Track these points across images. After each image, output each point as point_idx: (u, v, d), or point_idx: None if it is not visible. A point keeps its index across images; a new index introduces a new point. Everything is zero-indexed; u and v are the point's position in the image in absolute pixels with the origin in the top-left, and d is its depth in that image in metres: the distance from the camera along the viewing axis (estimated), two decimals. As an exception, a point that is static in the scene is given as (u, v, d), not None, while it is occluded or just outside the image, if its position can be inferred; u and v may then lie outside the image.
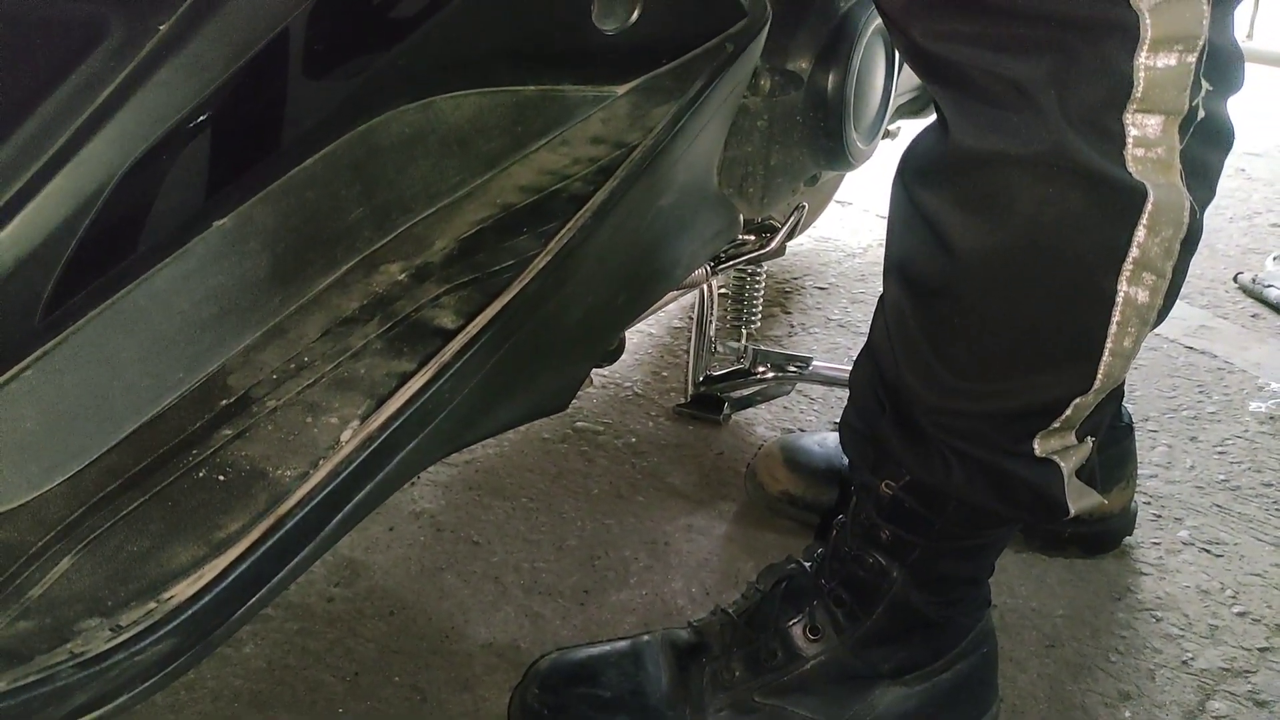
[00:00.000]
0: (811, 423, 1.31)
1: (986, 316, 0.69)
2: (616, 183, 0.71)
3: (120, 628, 0.55)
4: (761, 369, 1.27)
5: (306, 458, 0.60)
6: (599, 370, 1.30)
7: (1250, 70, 0.73)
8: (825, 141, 1.03)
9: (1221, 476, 1.22)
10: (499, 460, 1.21)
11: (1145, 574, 1.06)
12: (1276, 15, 3.29)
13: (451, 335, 0.66)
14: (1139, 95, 0.61)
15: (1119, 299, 0.66)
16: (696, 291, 1.20)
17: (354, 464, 0.61)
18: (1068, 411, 0.70)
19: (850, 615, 0.82)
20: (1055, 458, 0.72)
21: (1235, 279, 1.74)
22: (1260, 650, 0.96)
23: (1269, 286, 1.67)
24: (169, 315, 0.54)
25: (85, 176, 0.49)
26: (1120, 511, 1.07)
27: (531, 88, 0.66)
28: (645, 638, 0.88)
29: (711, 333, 1.23)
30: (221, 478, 0.58)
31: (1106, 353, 0.68)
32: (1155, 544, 1.10)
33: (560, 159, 0.69)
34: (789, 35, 0.97)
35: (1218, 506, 1.16)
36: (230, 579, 0.57)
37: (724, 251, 1.14)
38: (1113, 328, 0.67)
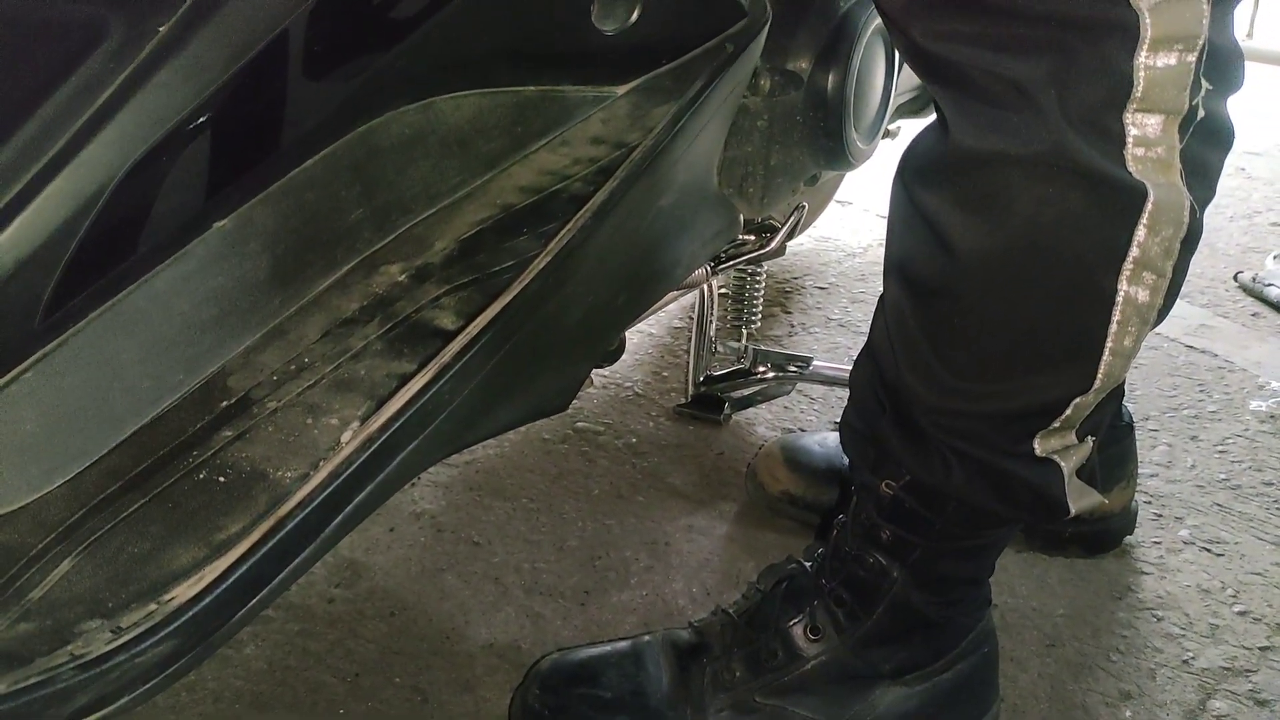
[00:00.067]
0: (812, 423, 1.31)
1: (986, 316, 0.69)
2: (616, 183, 0.71)
3: (121, 629, 0.55)
4: (762, 369, 1.27)
5: (307, 459, 0.60)
6: (599, 370, 1.30)
7: (1250, 69, 0.73)
8: (825, 141, 1.03)
9: (1222, 475, 1.22)
10: (499, 461, 1.21)
11: (1146, 573, 1.06)
12: (1276, 14, 3.29)
13: (452, 336, 0.66)
14: (1139, 95, 0.61)
15: (1119, 298, 0.66)
16: (697, 291, 1.20)
17: (354, 465, 0.61)
18: (1068, 411, 0.70)
19: (851, 615, 0.82)
20: (1055, 457, 0.72)
21: (1235, 278, 1.73)
22: (1261, 649, 0.96)
23: (1269, 285, 1.67)
24: (169, 317, 0.54)
25: (85, 178, 0.49)
26: (1121, 511, 1.07)
27: (531, 88, 0.66)
28: (646, 638, 0.88)
29: (712, 333, 1.23)
30: (222, 479, 0.58)
31: (1107, 352, 0.68)
32: (1156, 543, 1.10)
33: (560, 159, 0.69)
34: (789, 35, 0.97)
35: (1218, 505, 1.16)
36: (231, 580, 0.57)
37: (724, 251, 1.14)
38: (1113, 327, 0.67)
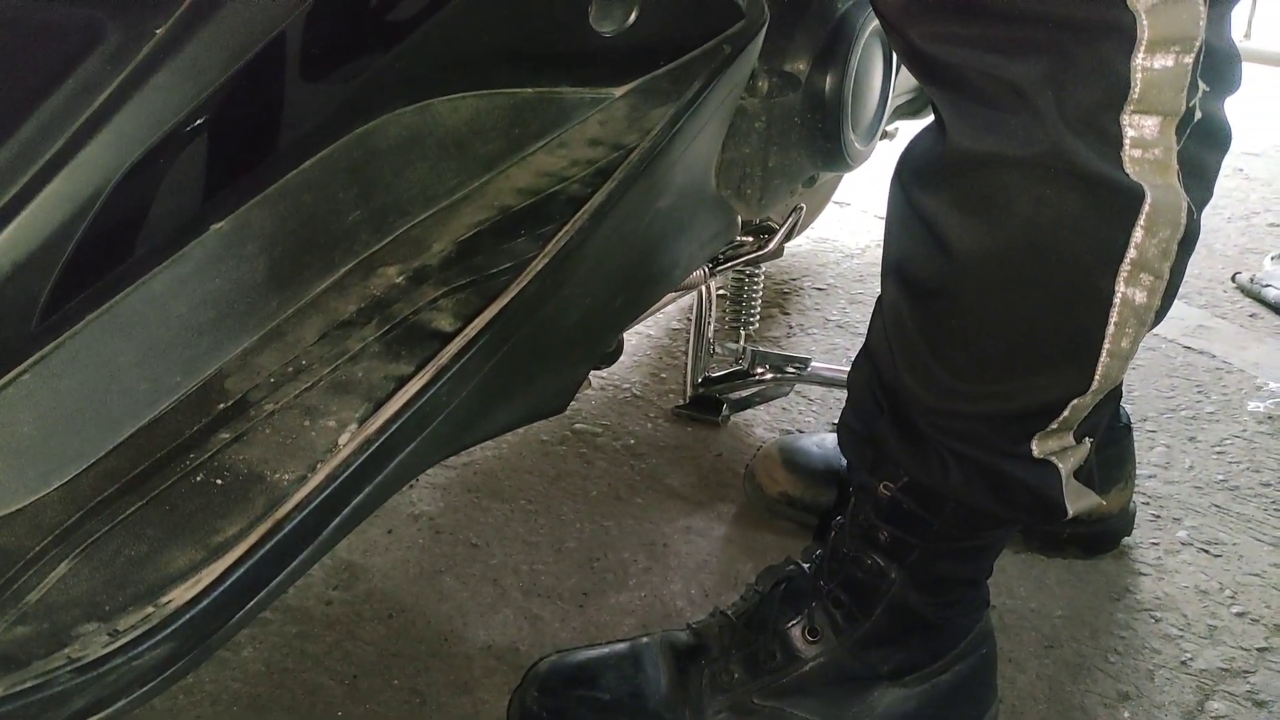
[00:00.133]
0: (810, 424, 1.31)
1: (984, 318, 0.69)
2: (614, 185, 0.71)
3: (118, 632, 0.55)
4: (760, 370, 1.27)
5: (304, 461, 0.60)
6: (597, 372, 1.30)
7: (1248, 70, 0.73)
8: (823, 143, 1.03)
9: (1220, 476, 1.22)
10: (498, 462, 1.21)
11: (1144, 574, 1.06)
12: (1274, 15, 3.29)
13: (449, 338, 0.66)
14: (1136, 96, 0.61)
15: (1116, 300, 0.66)
16: (695, 293, 1.20)
17: (352, 467, 0.61)
18: (1065, 412, 0.70)
19: (849, 616, 0.82)
20: (1053, 459, 0.72)
21: (1233, 279, 1.74)
22: (1259, 650, 0.96)
23: (1267, 286, 1.67)
24: (166, 319, 0.54)
25: (82, 180, 0.49)
26: (1119, 512, 1.07)
27: (529, 90, 0.66)
28: (644, 640, 0.88)
29: (710, 334, 1.24)
30: (219, 482, 0.58)
31: (1104, 353, 0.68)
32: (1154, 544, 1.10)
33: (558, 161, 0.69)
34: (787, 37, 0.97)
35: (1216, 506, 1.16)
36: (228, 583, 0.57)
37: (722, 253, 1.14)
38: (1110, 328, 0.67)
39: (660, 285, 0.86)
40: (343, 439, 0.61)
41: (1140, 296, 0.66)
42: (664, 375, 1.41)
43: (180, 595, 0.56)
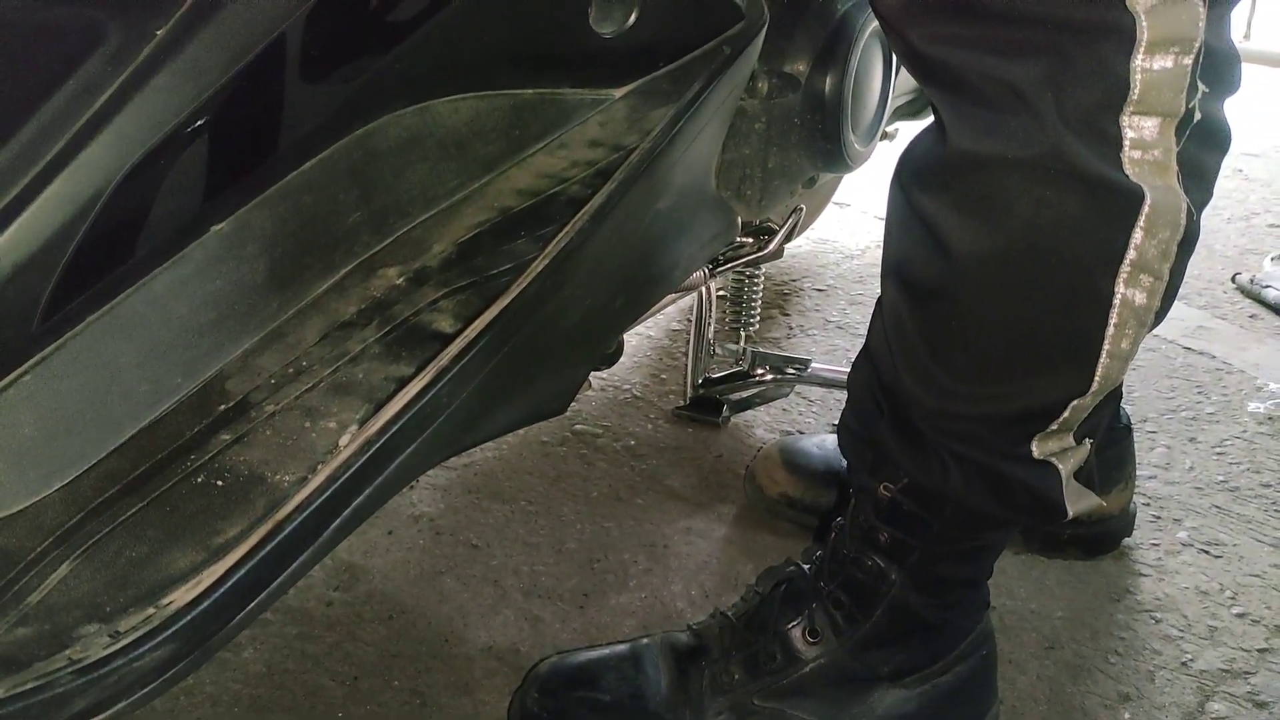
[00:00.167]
0: (810, 425, 1.31)
1: (984, 319, 0.69)
2: (614, 186, 0.71)
3: (119, 634, 0.55)
4: (760, 371, 1.27)
5: (305, 462, 0.60)
6: (598, 373, 1.30)
7: (1248, 71, 0.73)
8: (823, 144, 1.03)
9: (1220, 477, 1.22)
10: (498, 463, 1.21)
11: (1144, 575, 1.06)
12: (1274, 16, 3.29)
13: (449, 339, 0.66)
14: (1135, 97, 0.61)
15: (1116, 301, 0.66)
16: (695, 294, 1.20)
17: (352, 468, 0.61)
18: (1065, 413, 0.70)
19: (849, 618, 0.82)
20: (1053, 460, 0.72)
21: (1233, 279, 1.74)
22: (1259, 651, 0.96)
23: (1267, 287, 1.67)
24: (167, 320, 0.54)
25: (83, 181, 0.49)
26: (1119, 513, 1.07)
27: (529, 91, 0.66)
28: (644, 641, 0.88)
29: (710, 335, 1.24)
30: (220, 483, 0.58)
31: (1104, 354, 0.68)
32: (1154, 545, 1.10)
33: (558, 162, 0.69)
34: (786, 38, 0.98)
35: (1216, 507, 1.16)
36: (229, 584, 0.57)
37: (722, 254, 1.14)
38: (1110, 329, 0.67)
39: (660, 286, 0.86)
40: (343, 440, 0.61)
41: (1140, 297, 0.66)
42: (664, 376, 1.41)
43: (181, 596, 0.56)
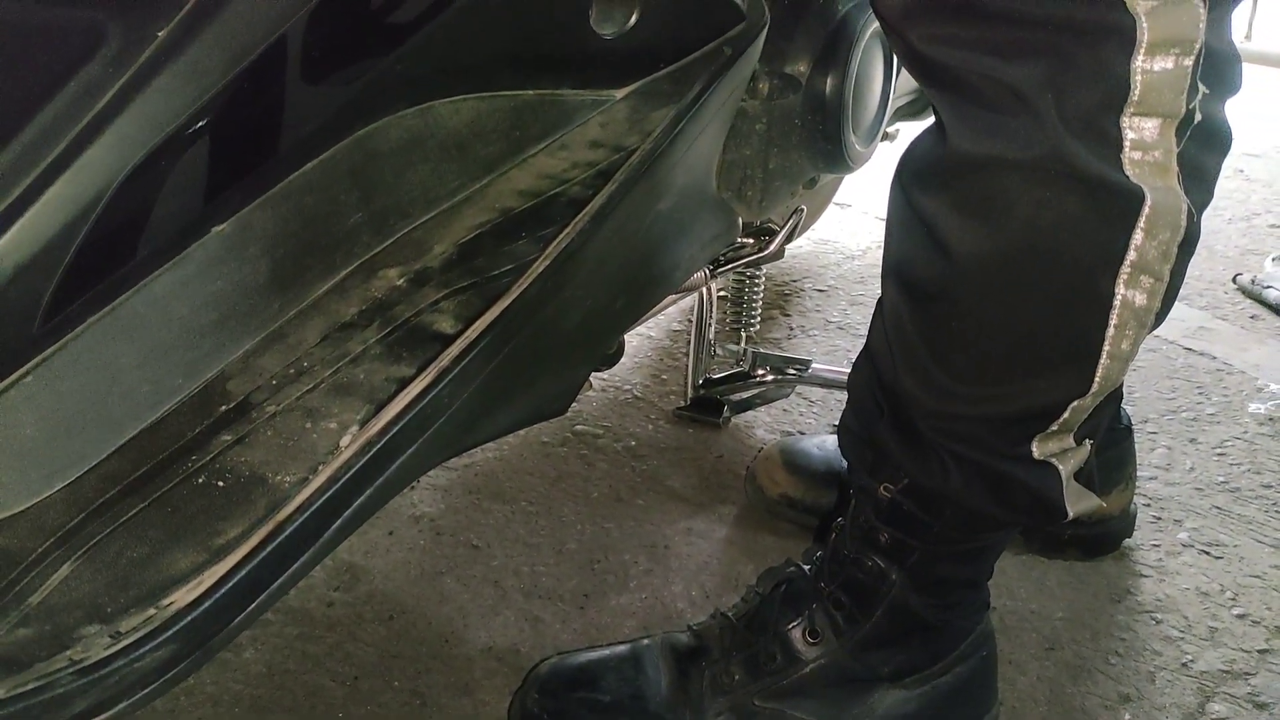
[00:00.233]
0: (811, 425, 1.31)
1: (984, 320, 0.69)
2: (615, 187, 0.71)
3: (120, 634, 0.55)
4: (761, 372, 1.27)
5: (306, 463, 0.60)
6: (598, 374, 1.30)
7: (1248, 71, 0.73)
8: (824, 144, 1.03)
9: (1221, 478, 1.22)
10: (499, 464, 1.21)
11: (1145, 576, 1.06)
12: (1274, 16, 3.29)
13: (450, 340, 0.66)
14: (1136, 98, 0.61)
15: (1116, 302, 0.66)
16: (695, 295, 1.20)
17: (353, 469, 0.61)
18: (1065, 414, 0.70)
19: (849, 618, 0.82)
20: (1053, 460, 0.72)
21: (1234, 280, 1.74)
22: (1260, 652, 0.96)
23: (1268, 288, 1.67)
24: (168, 321, 0.54)
25: (84, 183, 0.49)
26: (1120, 513, 1.07)
27: (530, 92, 0.66)
28: (645, 641, 0.88)
29: (711, 336, 1.24)
30: (221, 484, 0.58)
31: (1104, 355, 0.68)
32: (1155, 546, 1.10)
33: (559, 163, 0.69)
34: (787, 39, 0.98)
35: (1217, 508, 1.16)
36: (230, 585, 0.57)
37: (723, 255, 1.14)
38: (1110, 330, 0.67)
39: (661, 287, 0.86)
40: (344, 441, 0.61)
41: (1140, 298, 0.66)
42: (665, 377, 1.41)
43: (182, 597, 0.56)
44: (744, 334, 1.28)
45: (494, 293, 0.67)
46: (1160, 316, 0.70)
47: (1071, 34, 0.60)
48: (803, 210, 1.16)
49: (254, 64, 0.52)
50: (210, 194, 0.54)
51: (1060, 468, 0.73)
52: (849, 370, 0.87)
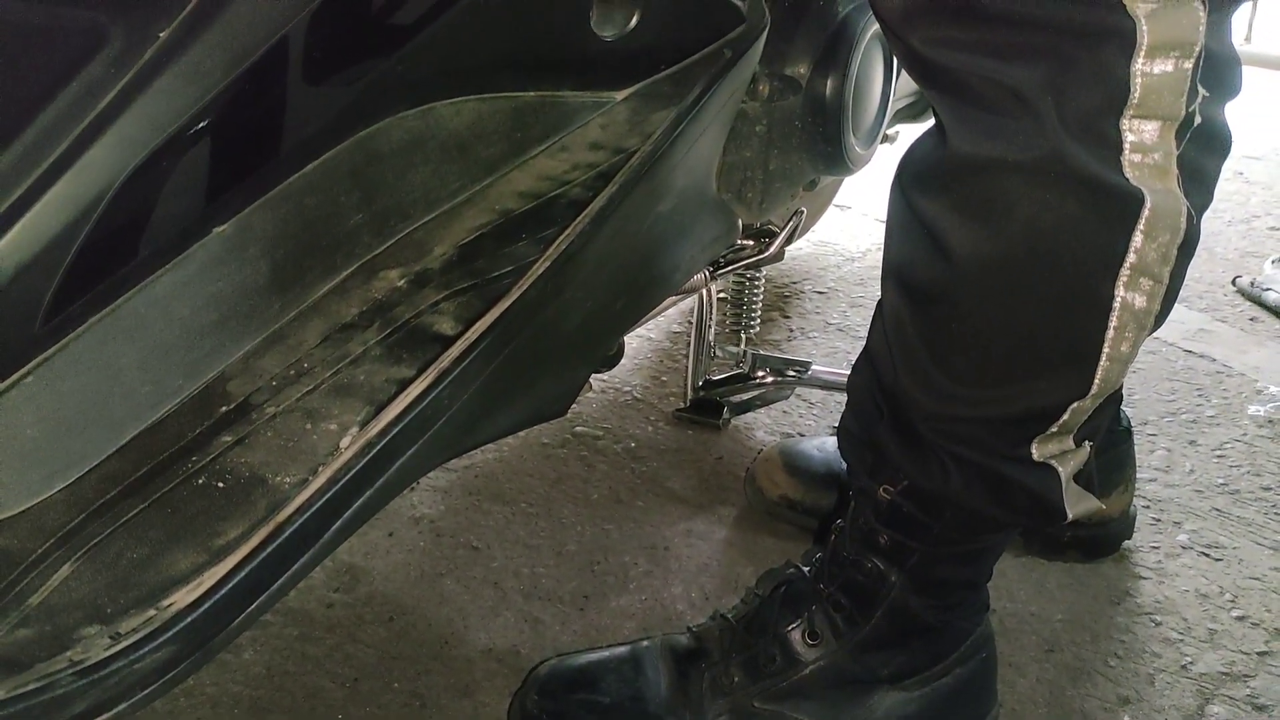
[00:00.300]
0: (810, 427, 1.31)
1: (984, 322, 0.69)
2: (615, 188, 0.71)
3: (120, 635, 0.55)
4: (761, 374, 1.27)
5: (306, 464, 0.60)
6: (598, 375, 1.30)
7: (1249, 73, 0.73)
8: (824, 146, 1.03)
9: (1220, 480, 1.22)
10: (498, 465, 1.21)
11: (1144, 578, 1.06)
12: (1274, 18, 3.29)
13: (451, 341, 0.66)
14: (1136, 101, 0.61)
15: (1116, 304, 0.66)
16: (695, 296, 1.20)
17: (353, 470, 0.61)
18: (1065, 416, 0.70)
19: (849, 620, 0.82)
20: (1053, 462, 0.72)
21: (1234, 282, 1.74)
22: (1259, 654, 0.97)
23: (1267, 290, 1.67)
24: (169, 322, 0.54)
25: (85, 183, 0.49)
26: (1119, 515, 1.07)
27: (531, 94, 0.66)
28: (644, 643, 0.88)
29: (711, 337, 1.24)
30: (221, 484, 0.58)
31: (1104, 357, 0.68)
32: (1154, 548, 1.10)
33: (559, 165, 0.69)
34: (787, 41, 0.98)
35: (1217, 510, 1.16)
36: (230, 586, 0.57)
37: (723, 256, 1.14)
38: (1110, 333, 0.67)
39: (661, 288, 0.86)
40: (344, 442, 0.61)
41: (1140, 301, 0.66)
42: (665, 378, 1.41)
43: (182, 598, 0.56)
44: (744, 336, 1.28)
45: (494, 294, 0.67)
46: (1160, 319, 0.70)
47: (1072, 36, 0.60)
48: (803, 212, 1.17)
49: (255, 65, 0.52)
50: (211, 195, 0.54)
51: (1060, 469, 0.73)
52: (849, 372, 0.87)
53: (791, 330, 1.57)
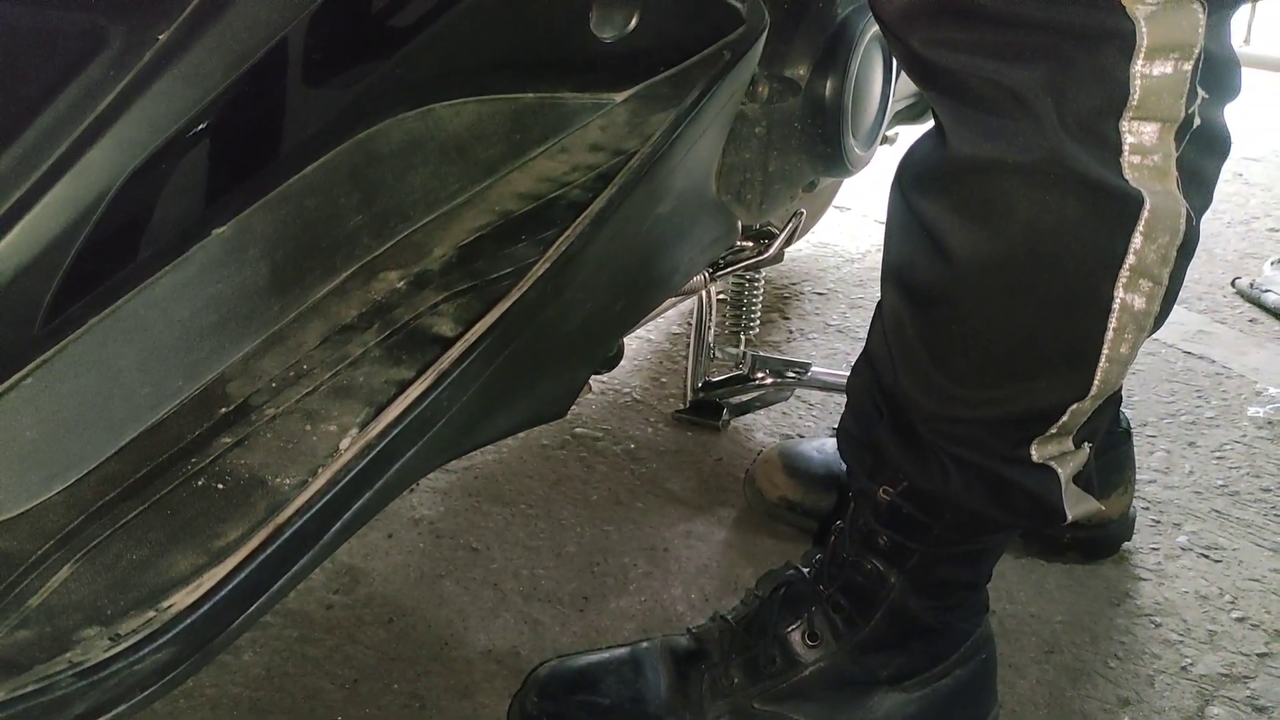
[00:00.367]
0: (810, 428, 1.31)
1: (984, 323, 0.69)
2: (615, 190, 0.71)
3: (119, 636, 0.55)
4: (760, 375, 1.27)
5: (305, 466, 0.60)
6: (598, 376, 1.30)
7: (1248, 75, 0.73)
8: (823, 148, 1.03)
9: (1220, 482, 1.22)
10: (498, 467, 1.21)
11: (1144, 579, 1.06)
12: (1274, 20, 3.29)
13: (450, 343, 0.66)
14: (1135, 103, 0.61)
15: (1116, 305, 0.66)
16: (695, 298, 1.20)
17: (353, 472, 0.61)
18: (1065, 417, 0.70)
19: (849, 621, 0.82)
20: (1053, 463, 0.73)
21: (1233, 284, 1.74)
22: (1259, 655, 0.97)
23: (1266, 291, 1.67)
24: (168, 323, 0.54)
25: (85, 185, 0.49)
26: (1119, 517, 1.07)
27: (530, 95, 0.66)
28: (644, 645, 0.88)
29: (710, 339, 1.24)
30: (220, 486, 0.58)
31: (1103, 359, 0.68)
32: (1154, 549, 1.10)
33: (559, 166, 0.69)
34: (786, 42, 0.98)
35: (1216, 512, 1.16)
36: (229, 587, 0.57)
37: (722, 258, 1.14)
38: (1109, 334, 0.67)
39: (661, 290, 0.87)
40: (344, 443, 0.61)
41: (1139, 302, 0.66)
42: (664, 380, 1.41)
43: (181, 600, 0.56)
44: (743, 337, 1.28)
45: (494, 295, 0.67)
46: (1159, 320, 0.70)
47: (1071, 38, 0.60)
48: (802, 213, 1.17)
49: (255, 67, 0.53)
50: (211, 196, 0.54)
51: (1059, 471, 0.73)
52: (848, 373, 0.87)
53: (791, 332, 1.57)
